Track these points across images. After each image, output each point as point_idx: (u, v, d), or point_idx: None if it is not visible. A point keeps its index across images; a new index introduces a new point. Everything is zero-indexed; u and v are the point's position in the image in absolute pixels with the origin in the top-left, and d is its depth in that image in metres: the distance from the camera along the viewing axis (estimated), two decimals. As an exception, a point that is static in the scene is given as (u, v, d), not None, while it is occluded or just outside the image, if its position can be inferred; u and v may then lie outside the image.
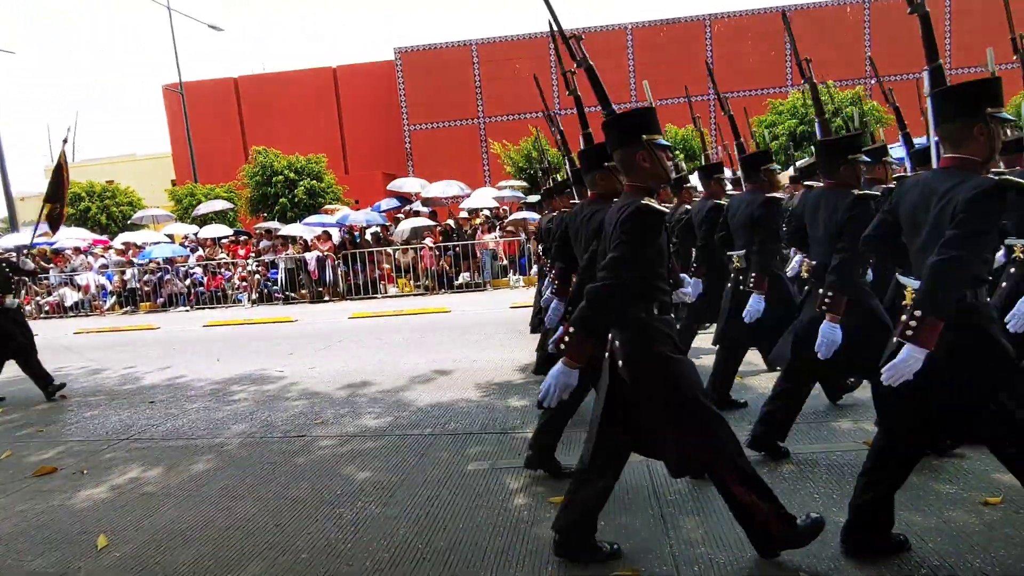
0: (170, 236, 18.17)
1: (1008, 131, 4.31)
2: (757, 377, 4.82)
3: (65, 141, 6.48)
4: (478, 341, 7.38)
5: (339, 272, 13.75)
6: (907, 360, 2.00)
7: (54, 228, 7.06)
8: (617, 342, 2.33)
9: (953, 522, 2.51)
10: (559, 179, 6.08)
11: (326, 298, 13.51)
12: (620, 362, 2.31)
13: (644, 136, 2.24)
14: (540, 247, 6.64)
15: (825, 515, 2.64)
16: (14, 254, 7.47)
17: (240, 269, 14.70)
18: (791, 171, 14.85)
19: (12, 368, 6.17)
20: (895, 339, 2.09)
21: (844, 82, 19.90)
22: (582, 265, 3.04)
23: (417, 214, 15.62)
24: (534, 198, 16.26)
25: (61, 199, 6.46)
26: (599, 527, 2.47)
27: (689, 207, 5.17)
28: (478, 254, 13.52)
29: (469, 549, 2.63)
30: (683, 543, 2.53)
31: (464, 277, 13.49)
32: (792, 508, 2.73)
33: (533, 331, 6.73)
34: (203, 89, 27.24)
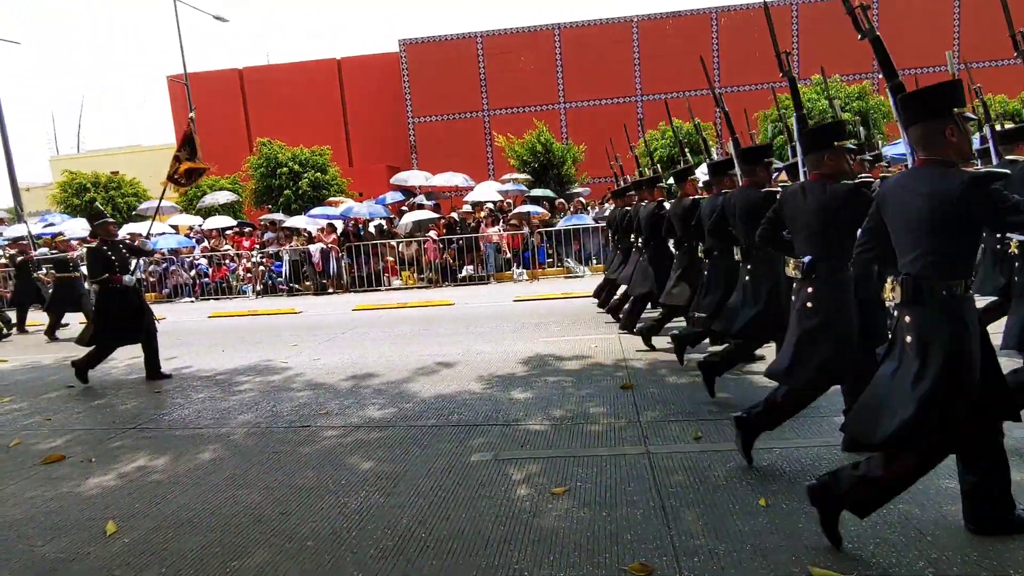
0: (175, 227, 18.24)
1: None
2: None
3: (193, 109, 6.85)
4: (482, 334, 7.41)
5: (343, 264, 13.79)
6: None
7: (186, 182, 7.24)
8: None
9: (952, 516, 2.53)
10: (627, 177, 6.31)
11: (330, 290, 13.56)
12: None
13: (955, 110, 2.22)
14: (635, 235, 6.79)
15: (825, 508, 2.67)
16: (141, 235, 7.91)
17: (244, 260, 14.76)
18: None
19: (21, 357, 6.23)
20: None
21: (851, 76, 19.77)
22: (816, 240, 2.95)
23: (420, 207, 15.63)
24: (538, 191, 16.28)
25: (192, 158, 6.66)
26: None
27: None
28: (481, 247, 13.55)
29: (471, 538, 2.67)
30: (683, 534, 2.56)
31: (467, 270, 13.52)
32: (791, 499, 2.77)
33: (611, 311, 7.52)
34: (208, 80, 27.24)
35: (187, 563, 2.63)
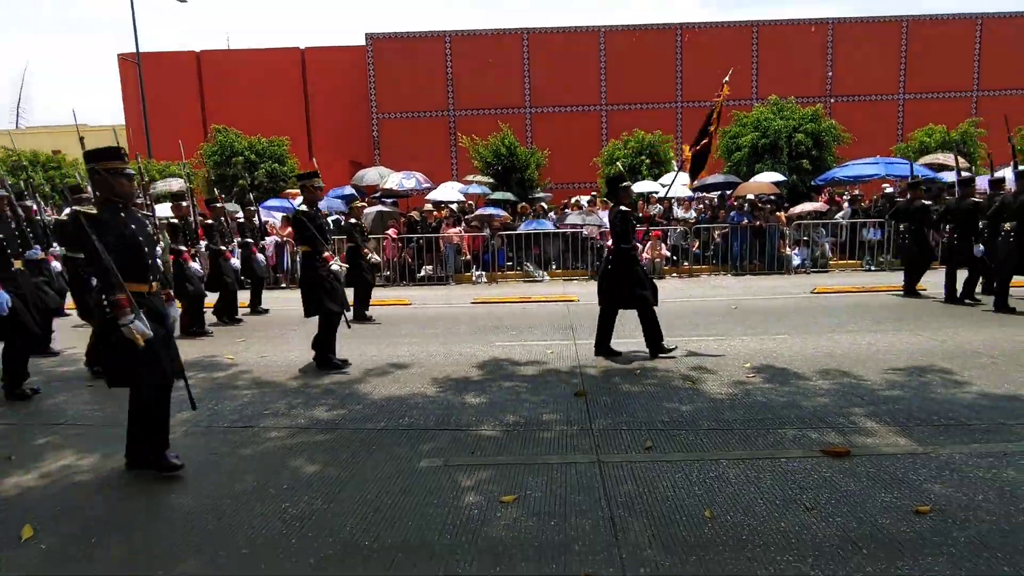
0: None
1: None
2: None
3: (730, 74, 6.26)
4: (437, 335, 7.31)
5: (296, 258, 13.41)
6: None
7: (693, 174, 6.65)
8: None
9: (886, 530, 2.61)
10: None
11: (283, 285, 13.17)
12: None
13: None
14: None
15: (767, 519, 2.73)
16: None
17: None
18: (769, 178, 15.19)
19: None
20: None
21: (806, 99, 20.53)
22: None
23: (382, 201, 15.39)
24: (499, 195, 16.25)
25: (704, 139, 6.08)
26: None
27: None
28: (442, 247, 13.42)
29: (417, 547, 2.60)
30: (631, 545, 2.56)
31: (426, 270, 13.37)
32: (736, 512, 2.81)
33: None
34: (162, 61, 26.16)
35: (110, 571, 2.47)
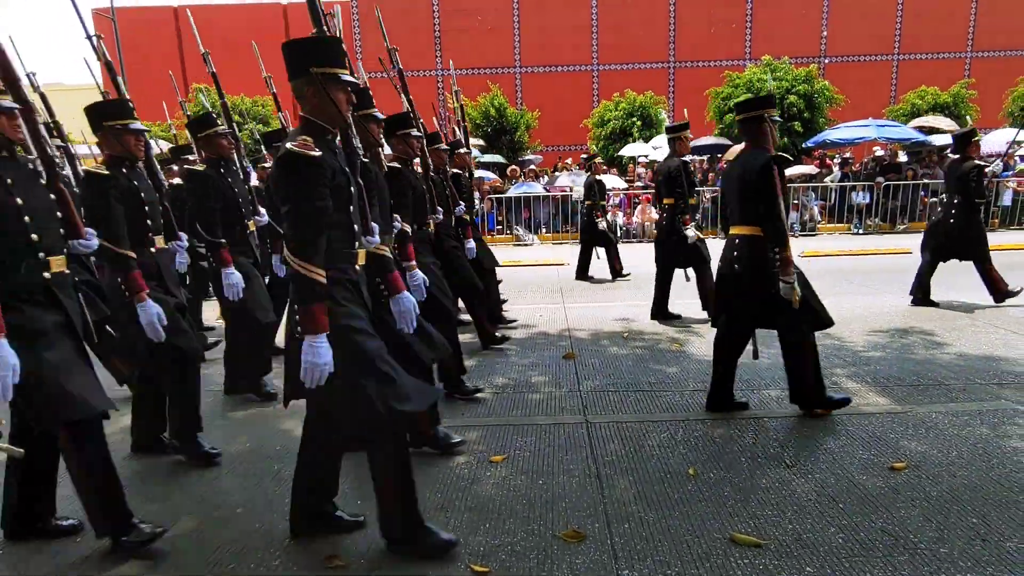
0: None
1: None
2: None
3: None
4: (427, 299, 7.31)
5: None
6: None
7: None
8: None
9: (862, 485, 2.71)
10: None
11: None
12: None
13: None
14: None
15: (749, 476, 2.81)
16: None
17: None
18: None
19: None
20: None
21: (800, 59, 20.25)
22: None
23: (369, 166, 15.16)
24: (490, 157, 16.07)
25: None
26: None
27: None
28: (431, 211, 13.30)
29: (408, 505, 2.65)
30: (616, 502, 2.64)
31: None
32: (718, 468, 2.89)
33: None
34: (139, 16, 25.28)
35: (106, 531, 2.51)
